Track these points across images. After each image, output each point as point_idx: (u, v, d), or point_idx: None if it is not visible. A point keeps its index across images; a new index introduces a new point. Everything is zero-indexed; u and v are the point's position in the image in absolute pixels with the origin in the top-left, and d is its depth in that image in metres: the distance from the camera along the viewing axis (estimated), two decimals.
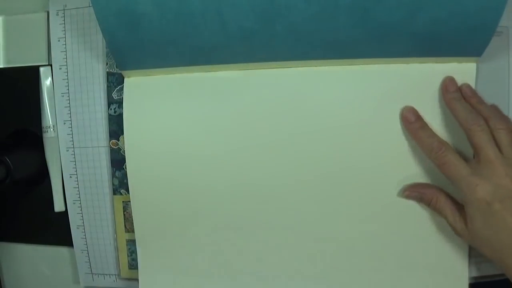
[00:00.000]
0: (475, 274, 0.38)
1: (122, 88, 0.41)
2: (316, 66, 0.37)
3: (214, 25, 0.34)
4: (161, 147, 0.40)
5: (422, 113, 0.36)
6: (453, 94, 0.35)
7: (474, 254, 0.37)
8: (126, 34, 0.36)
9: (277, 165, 0.38)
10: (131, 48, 0.37)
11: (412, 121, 0.35)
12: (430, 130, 0.35)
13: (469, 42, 0.34)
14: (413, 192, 0.36)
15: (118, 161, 0.42)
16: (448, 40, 0.34)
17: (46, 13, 0.44)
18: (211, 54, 0.37)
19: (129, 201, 0.41)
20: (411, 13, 0.32)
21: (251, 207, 0.39)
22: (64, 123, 0.44)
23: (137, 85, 0.40)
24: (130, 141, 0.40)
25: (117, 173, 0.42)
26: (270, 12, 0.33)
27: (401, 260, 0.38)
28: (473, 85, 0.35)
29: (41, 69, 0.44)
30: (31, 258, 0.48)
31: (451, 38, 0.34)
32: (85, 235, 0.44)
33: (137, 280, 0.43)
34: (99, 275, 0.45)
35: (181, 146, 0.39)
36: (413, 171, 0.37)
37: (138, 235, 0.41)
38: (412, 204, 0.37)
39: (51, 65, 0.44)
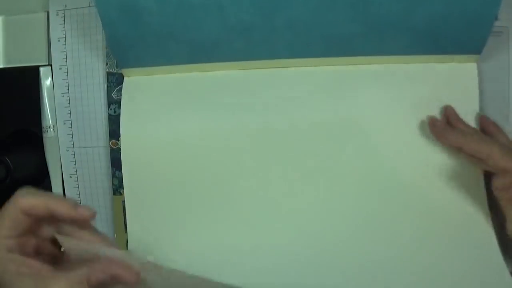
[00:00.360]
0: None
1: (122, 88, 0.41)
2: (315, 65, 0.37)
3: (214, 18, 0.34)
4: (158, 147, 0.40)
5: (422, 113, 0.36)
6: (453, 133, 0.34)
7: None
8: (127, 28, 0.36)
9: (277, 166, 0.38)
10: (131, 43, 0.37)
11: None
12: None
13: (468, 37, 0.34)
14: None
15: (118, 161, 0.42)
16: (447, 35, 0.34)
17: (46, 13, 0.44)
18: (210, 50, 0.37)
19: None
20: (410, 6, 0.32)
21: (250, 208, 0.39)
22: (64, 123, 0.44)
23: (136, 85, 0.40)
24: (126, 140, 0.40)
25: (117, 173, 0.42)
26: (269, 6, 0.33)
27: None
28: (476, 85, 0.35)
29: (41, 69, 0.44)
30: None
31: (450, 33, 0.34)
32: None
33: None
34: None
35: (178, 146, 0.39)
36: (416, 171, 0.36)
37: (130, 235, 0.41)
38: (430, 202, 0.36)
39: (51, 65, 0.44)
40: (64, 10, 0.43)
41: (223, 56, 0.38)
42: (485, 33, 0.34)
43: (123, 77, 0.41)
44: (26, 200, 0.27)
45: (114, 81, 0.42)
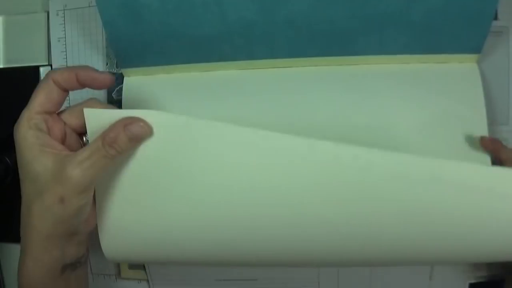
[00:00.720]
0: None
1: (122, 88, 0.41)
2: (315, 65, 0.37)
3: (214, 15, 0.34)
4: None
5: (423, 114, 0.36)
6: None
7: None
8: (127, 27, 0.36)
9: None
10: (132, 43, 0.37)
11: None
12: None
13: (467, 34, 0.34)
14: None
15: None
16: (445, 31, 0.34)
17: (46, 13, 0.44)
18: (211, 48, 0.37)
19: None
20: (408, 1, 0.32)
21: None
22: None
23: (136, 85, 0.40)
24: None
25: None
26: (270, 2, 0.33)
27: None
28: (479, 86, 0.35)
29: (41, 69, 0.44)
30: None
31: (448, 29, 0.34)
32: None
33: (137, 280, 0.43)
34: (99, 275, 0.45)
35: None
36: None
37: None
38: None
39: (51, 65, 0.44)
40: (64, 10, 0.43)
41: (223, 55, 0.38)
42: (484, 30, 0.34)
43: (123, 77, 0.41)
44: (57, 71, 0.31)
45: (114, 81, 0.42)
